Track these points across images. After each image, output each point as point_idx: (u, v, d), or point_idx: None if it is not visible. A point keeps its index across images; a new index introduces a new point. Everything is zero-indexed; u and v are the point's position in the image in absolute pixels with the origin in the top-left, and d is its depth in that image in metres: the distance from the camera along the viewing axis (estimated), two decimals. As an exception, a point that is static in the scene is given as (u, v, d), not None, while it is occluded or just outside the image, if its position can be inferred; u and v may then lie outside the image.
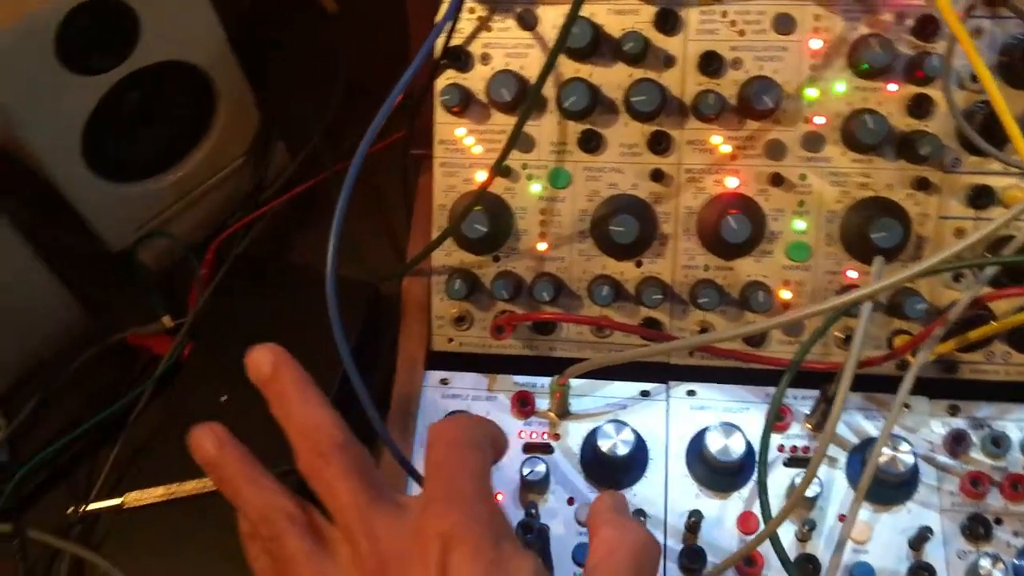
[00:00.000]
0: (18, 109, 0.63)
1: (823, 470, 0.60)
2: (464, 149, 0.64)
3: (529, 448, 0.62)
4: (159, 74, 0.69)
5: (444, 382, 0.65)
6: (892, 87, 0.60)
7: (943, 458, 0.60)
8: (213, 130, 0.76)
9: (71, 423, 0.74)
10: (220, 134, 0.77)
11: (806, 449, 0.61)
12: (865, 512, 0.58)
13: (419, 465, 0.60)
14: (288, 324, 0.67)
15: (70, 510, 0.68)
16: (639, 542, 0.46)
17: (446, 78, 0.63)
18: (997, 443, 0.59)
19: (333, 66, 0.87)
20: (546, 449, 0.62)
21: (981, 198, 0.60)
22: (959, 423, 0.61)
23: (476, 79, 0.63)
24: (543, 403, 0.63)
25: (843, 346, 0.62)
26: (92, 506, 0.68)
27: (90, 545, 0.67)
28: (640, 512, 0.59)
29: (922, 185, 0.60)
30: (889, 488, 0.58)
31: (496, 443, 0.49)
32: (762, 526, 0.55)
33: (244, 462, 0.47)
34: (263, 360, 0.47)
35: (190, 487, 0.66)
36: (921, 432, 0.61)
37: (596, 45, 0.61)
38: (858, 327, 0.46)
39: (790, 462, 0.60)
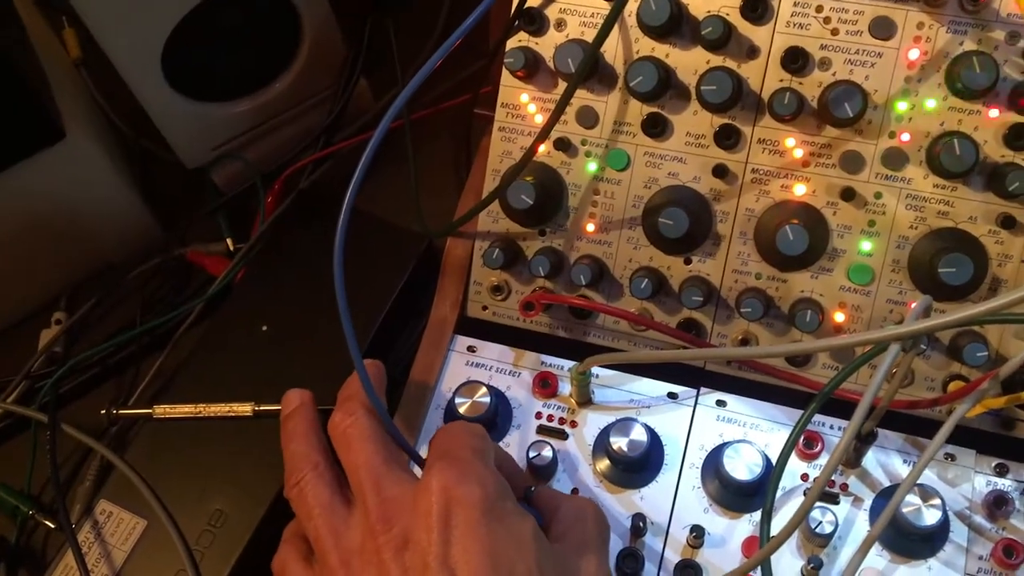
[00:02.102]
0: (102, 19, 0.64)
1: (844, 509, 0.56)
2: (527, 116, 0.62)
3: (543, 430, 0.60)
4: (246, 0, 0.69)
5: (471, 349, 0.64)
6: (993, 112, 0.55)
7: (979, 519, 0.55)
8: (296, 61, 0.76)
9: (123, 328, 0.76)
10: (303, 66, 0.77)
11: (832, 484, 0.57)
12: (881, 560, 0.54)
13: (429, 434, 0.60)
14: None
15: (103, 411, 0.70)
16: (600, 514, 0.51)
17: (517, 40, 0.61)
18: (1042, 514, 0.54)
19: (435, 11, 0.85)
20: (560, 435, 0.60)
21: (1073, 247, 0.54)
22: (1004, 484, 0.56)
23: (548, 45, 0.61)
24: (566, 387, 0.61)
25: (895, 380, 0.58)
26: (123, 411, 0.70)
27: (120, 448, 0.69)
28: (641, 517, 0.56)
29: (1008, 223, 0.55)
30: (912, 540, 0.54)
31: (497, 453, 0.52)
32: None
33: (305, 421, 0.51)
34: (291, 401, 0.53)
35: (215, 409, 0.67)
36: (961, 487, 0.56)
37: (677, 24, 0.57)
38: (879, 368, 0.42)
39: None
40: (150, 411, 0.68)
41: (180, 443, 0.67)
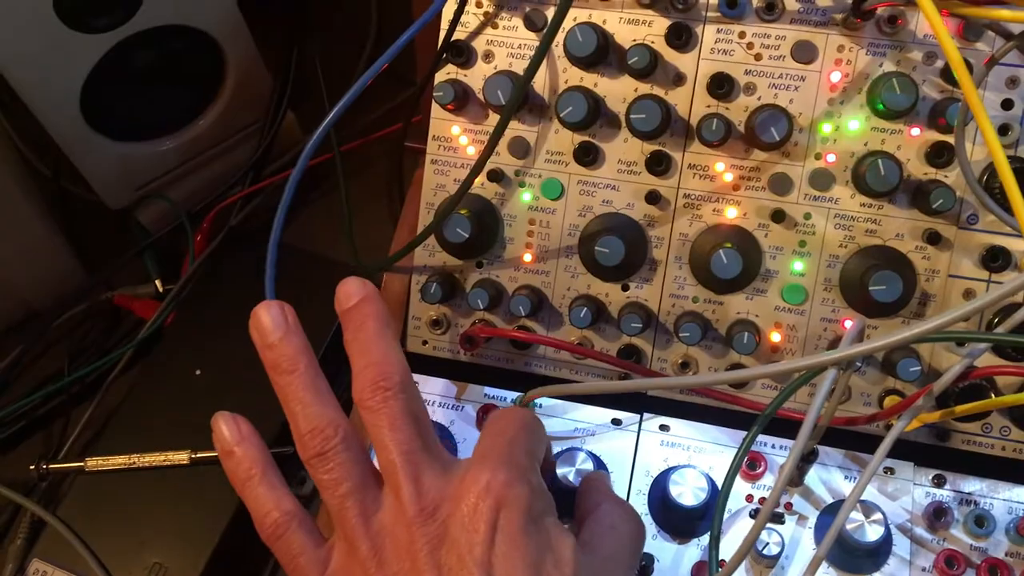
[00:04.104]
0: (15, 63, 0.62)
1: (790, 529, 0.56)
2: (458, 148, 0.62)
3: (489, 465, 0.60)
4: (165, 37, 0.68)
5: (413, 385, 0.63)
6: (914, 131, 0.56)
7: (920, 531, 0.56)
8: (221, 97, 0.75)
9: (50, 377, 0.74)
10: (228, 102, 0.75)
11: (777, 503, 0.57)
12: (828, 577, 0.55)
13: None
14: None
15: (32, 467, 0.68)
16: (638, 527, 0.49)
17: (446, 72, 0.61)
18: (980, 522, 0.55)
19: (359, 43, 0.85)
20: (506, 468, 0.59)
21: (996, 260, 0.56)
22: (943, 495, 0.57)
23: (477, 77, 0.60)
24: (510, 419, 0.61)
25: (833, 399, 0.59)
26: (53, 466, 0.68)
27: (51, 504, 0.67)
28: (590, 547, 0.56)
29: (933, 239, 0.56)
30: (856, 556, 0.55)
31: (548, 447, 0.51)
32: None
33: (260, 461, 0.46)
34: (353, 291, 0.47)
35: (150, 458, 0.65)
36: (901, 500, 0.57)
37: (604, 54, 0.58)
38: (818, 392, 0.43)
39: (758, 514, 0.57)
40: (82, 464, 0.66)
41: (115, 496, 0.65)
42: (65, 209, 0.79)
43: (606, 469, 0.58)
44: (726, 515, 0.57)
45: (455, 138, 0.62)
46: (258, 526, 0.44)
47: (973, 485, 0.57)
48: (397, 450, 0.42)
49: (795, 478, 0.57)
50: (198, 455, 0.64)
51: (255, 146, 0.79)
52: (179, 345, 0.71)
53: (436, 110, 0.61)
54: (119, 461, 0.66)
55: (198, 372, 0.69)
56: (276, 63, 0.79)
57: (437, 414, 0.61)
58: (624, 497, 0.58)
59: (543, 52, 0.53)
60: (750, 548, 0.47)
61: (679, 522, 0.57)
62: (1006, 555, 0.55)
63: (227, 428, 0.47)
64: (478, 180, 0.61)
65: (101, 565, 0.61)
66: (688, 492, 0.56)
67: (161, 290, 0.76)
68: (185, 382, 0.69)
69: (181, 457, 0.65)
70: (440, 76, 0.61)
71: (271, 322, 0.46)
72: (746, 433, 0.56)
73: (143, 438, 0.66)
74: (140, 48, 0.67)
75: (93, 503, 0.65)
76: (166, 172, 0.76)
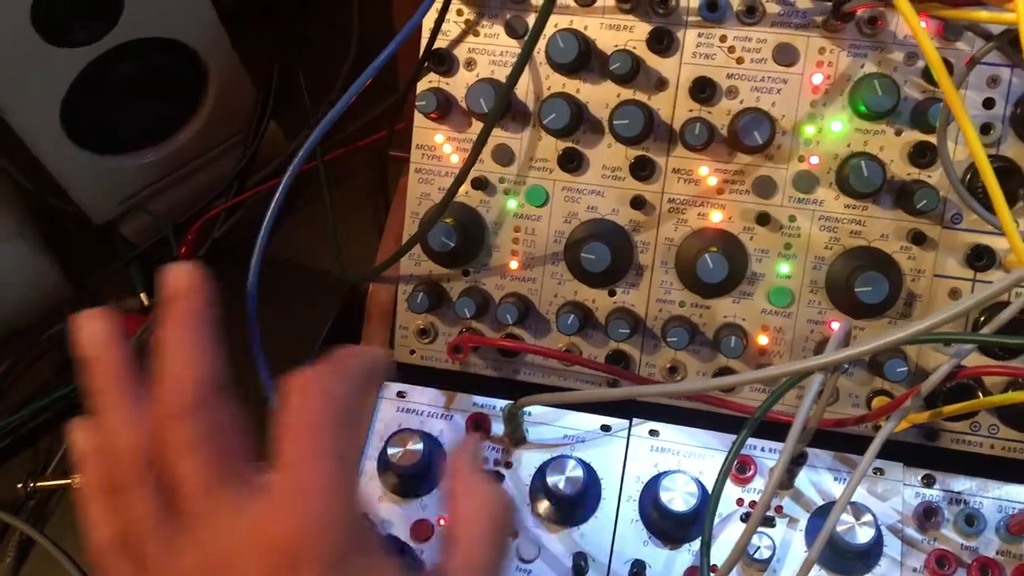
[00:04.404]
0: (-7, 76, 0.62)
1: (781, 532, 0.56)
2: (442, 156, 0.62)
3: (479, 474, 0.59)
4: (145, 49, 0.67)
5: (401, 395, 0.63)
6: (896, 132, 0.56)
7: (911, 531, 0.56)
8: (202, 109, 0.75)
9: (37, 394, 0.73)
10: (210, 113, 0.75)
11: (767, 507, 0.57)
12: (820, 580, 0.55)
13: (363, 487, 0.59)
14: (258, 315, 0.66)
15: (19, 484, 0.67)
16: (495, 506, 0.41)
17: (428, 81, 0.61)
18: (971, 521, 0.55)
19: (342, 51, 0.84)
20: (496, 477, 0.59)
21: (981, 259, 0.56)
22: (933, 495, 0.57)
23: (459, 85, 0.60)
24: (500, 427, 0.60)
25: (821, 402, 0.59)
26: (41, 483, 0.67)
27: (39, 522, 0.66)
28: (582, 555, 0.56)
29: (918, 239, 0.56)
30: (847, 558, 0.55)
31: (376, 371, 0.42)
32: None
33: (121, 375, 0.38)
34: (180, 278, 0.40)
35: (138, 475, 0.65)
36: (891, 501, 0.57)
37: (586, 60, 0.58)
38: (806, 395, 0.43)
39: (749, 517, 0.57)
40: (70, 480, 0.66)
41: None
42: (48, 223, 0.79)
43: (596, 476, 0.58)
44: (717, 520, 0.56)
45: (439, 146, 0.61)
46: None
47: (963, 484, 0.57)
48: (193, 485, 0.36)
49: (785, 481, 0.57)
50: (186, 470, 0.64)
51: (239, 157, 0.78)
52: (165, 359, 0.71)
53: (419, 119, 0.61)
54: (107, 477, 0.65)
55: (185, 386, 0.68)
56: (258, 74, 0.78)
57: (426, 424, 0.61)
58: (615, 504, 0.58)
59: (525, 59, 0.53)
60: (741, 553, 0.47)
61: (670, 528, 0.57)
62: (997, 553, 0.55)
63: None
64: (462, 188, 0.60)
65: (90, 585, 0.60)
66: (679, 498, 0.55)
67: (147, 303, 0.75)
68: (172, 396, 0.68)
69: (169, 472, 0.64)
70: (422, 85, 0.61)
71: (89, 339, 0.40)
72: (735, 437, 0.56)
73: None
74: (120, 61, 0.66)
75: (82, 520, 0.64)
76: (149, 185, 0.76)
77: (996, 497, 0.56)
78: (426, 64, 0.60)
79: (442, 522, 0.58)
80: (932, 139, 0.55)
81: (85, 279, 0.78)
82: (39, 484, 0.67)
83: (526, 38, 0.54)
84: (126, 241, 0.78)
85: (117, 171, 0.73)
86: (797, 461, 0.56)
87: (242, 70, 0.75)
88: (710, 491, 0.56)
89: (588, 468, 0.58)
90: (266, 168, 0.79)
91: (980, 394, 0.56)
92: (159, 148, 0.74)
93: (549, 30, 0.57)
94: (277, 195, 0.50)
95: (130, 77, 0.69)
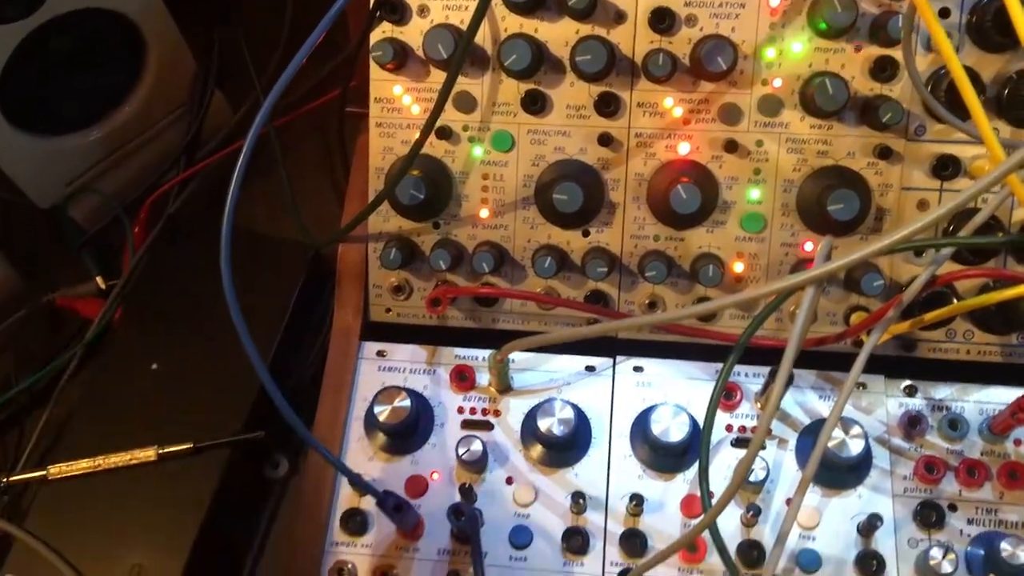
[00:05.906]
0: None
1: (771, 452, 0.57)
2: (402, 108, 0.60)
3: (468, 424, 0.59)
4: (80, 21, 0.64)
5: (381, 354, 0.62)
6: (855, 48, 0.56)
7: (898, 441, 0.57)
8: (143, 81, 0.72)
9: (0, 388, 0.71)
10: (151, 85, 0.72)
11: (756, 429, 0.58)
12: (814, 496, 0.56)
13: (348, 456, 0.58)
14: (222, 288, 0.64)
15: (-8, 481, 0.65)
16: None
17: (381, 31, 0.59)
18: (954, 426, 0.56)
19: (282, 13, 0.82)
20: (486, 426, 0.59)
21: (947, 168, 0.57)
22: (916, 404, 0.58)
23: (414, 33, 0.59)
24: (484, 377, 0.60)
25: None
26: (15, 477, 0.65)
27: (16, 517, 0.64)
28: (580, 494, 0.56)
29: (884, 154, 0.57)
30: (839, 472, 0.56)
31: None
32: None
33: None
34: None
35: (115, 459, 0.63)
36: (876, 413, 0.58)
37: (542, -2, 0.57)
38: (800, 312, 0.43)
39: (738, 442, 0.58)
40: (44, 473, 0.64)
41: (83, 501, 0.63)
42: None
43: (585, 416, 0.58)
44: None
45: (398, 98, 0.60)
46: None
47: (943, 391, 0.58)
48: None
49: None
50: (166, 450, 0.62)
51: (185, 129, 0.76)
52: (131, 340, 0.69)
53: (375, 71, 0.60)
54: (83, 466, 0.63)
55: (154, 366, 0.67)
56: (198, 42, 0.76)
57: (409, 381, 0.61)
58: (606, 442, 0.58)
59: (486, 2, 0.52)
60: (744, 476, 0.47)
61: (663, 459, 0.57)
62: (981, 454, 0.56)
63: None
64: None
65: (78, 574, 0.59)
66: (670, 429, 0.56)
67: (104, 287, 0.73)
68: (142, 377, 0.66)
69: (148, 454, 0.63)
70: (375, 36, 0.59)
71: None
72: (720, 365, 0.56)
73: (105, 439, 0.64)
74: (54, 36, 0.64)
75: (62, 511, 0.63)
76: (95, 164, 0.73)
77: (976, 400, 0.58)
78: (378, 14, 0.58)
79: (435, 476, 0.57)
80: (892, 53, 0.55)
81: (36, 268, 0.76)
82: (11, 479, 0.65)
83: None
84: (76, 225, 0.75)
85: (60, 152, 0.71)
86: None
87: (181, 39, 0.72)
88: (699, 420, 0.56)
89: (577, 409, 0.58)
90: (214, 138, 0.77)
91: (955, 301, 0.56)
92: (102, 125, 0.72)
93: (502, -30, 0.56)
94: (241, 160, 0.48)
95: (66, 52, 0.66)
